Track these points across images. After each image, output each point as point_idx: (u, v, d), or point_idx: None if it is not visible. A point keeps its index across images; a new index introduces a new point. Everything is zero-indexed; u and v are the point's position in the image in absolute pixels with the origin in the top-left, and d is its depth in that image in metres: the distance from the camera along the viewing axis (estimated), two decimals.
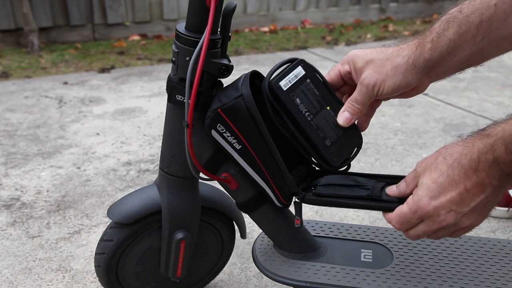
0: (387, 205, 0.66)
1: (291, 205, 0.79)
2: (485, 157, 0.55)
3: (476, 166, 0.56)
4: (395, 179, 0.70)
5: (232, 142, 0.70)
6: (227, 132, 0.69)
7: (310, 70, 0.72)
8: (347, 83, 0.73)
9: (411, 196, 0.61)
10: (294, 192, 0.73)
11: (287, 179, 0.72)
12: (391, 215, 0.64)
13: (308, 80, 0.71)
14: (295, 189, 0.73)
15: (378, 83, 0.66)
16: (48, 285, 1.03)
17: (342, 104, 0.72)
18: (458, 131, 1.86)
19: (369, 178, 0.72)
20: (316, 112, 0.70)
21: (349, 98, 0.69)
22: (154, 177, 1.48)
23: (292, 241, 0.82)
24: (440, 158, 0.59)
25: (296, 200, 0.74)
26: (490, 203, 0.58)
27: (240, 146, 0.70)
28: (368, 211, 1.32)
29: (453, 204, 0.58)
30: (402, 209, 0.62)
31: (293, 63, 0.71)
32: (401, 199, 0.65)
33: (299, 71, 0.70)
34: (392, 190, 0.67)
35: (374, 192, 0.68)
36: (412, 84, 0.66)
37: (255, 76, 0.72)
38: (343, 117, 0.70)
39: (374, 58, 0.66)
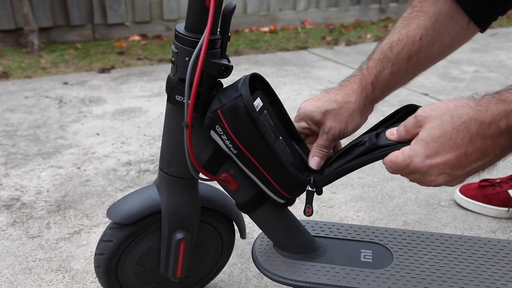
0: (386, 151, 0.64)
1: (292, 205, 0.80)
2: (497, 124, 0.54)
3: (484, 132, 0.54)
4: (387, 122, 0.71)
5: (228, 146, 0.70)
6: (224, 135, 0.69)
7: (266, 102, 0.74)
8: (307, 136, 0.80)
9: (408, 147, 0.60)
10: (302, 182, 0.74)
11: (291, 172, 0.72)
12: (386, 158, 0.63)
13: (265, 111, 0.73)
14: (302, 179, 0.73)
15: (342, 130, 0.75)
16: (48, 285, 1.03)
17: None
18: None
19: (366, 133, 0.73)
20: (273, 141, 0.73)
21: (316, 144, 0.76)
22: (154, 177, 1.48)
23: (292, 241, 0.82)
24: (447, 115, 0.57)
25: (309, 189, 0.76)
26: (484, 169, 0.58)
27: (236, 151, 0.70)
28: (368, 210, 1.32)
29: (447, 167, 0.57)
30: (397, 157, 0.61)
31: (254, 93, 0.72)
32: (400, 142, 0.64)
33: (259, 102, 0.72)
34: (392, 133, 0.65)
35: (371, 143, 0.67)
36: (366, 118, 0.77)
37: (255, 78, 0.72)
38: (314, 161, 0.76)
39: (329, 109, 0.74)
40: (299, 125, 0.78)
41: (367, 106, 0.76)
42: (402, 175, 0.63)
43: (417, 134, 0.60)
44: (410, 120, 0.62)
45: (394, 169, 0.62)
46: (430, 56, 0.73)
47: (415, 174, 0.60)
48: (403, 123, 0.63)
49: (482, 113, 0.55)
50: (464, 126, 0.55)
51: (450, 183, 0.59)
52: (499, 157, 0.56)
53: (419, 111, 0.60)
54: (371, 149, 0.66)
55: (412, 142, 0.60)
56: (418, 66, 0.74)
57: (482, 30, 0.75)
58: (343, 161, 0.71)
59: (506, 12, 0.74)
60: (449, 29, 0.72)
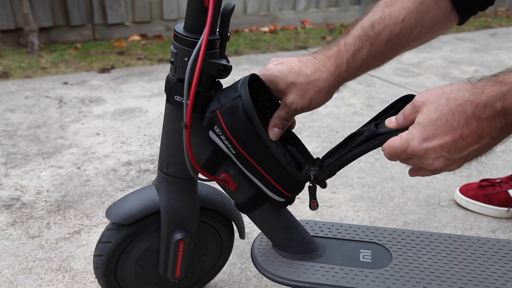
0: (384, 137, 0.65)
1: (291, 203, 0.80)
2: (492, 105, 0.54)
3: (480, 114, 0.54)
4: (386, 113, 0.71)
5: (228, 146, 0.70)
6: (223, 135, 0.69)
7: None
8: None
9: (406, 132, 0.60)
10: (301, 180, 0.74)
11: (290, 171, 0.72)
12: (384, 144, 0.63)
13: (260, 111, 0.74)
14: (302, 177, 0.73)
15: (305, 107, 0.72)
16: (48, 285, 1.03)
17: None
18: None
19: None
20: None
21: (276, 115, 0.74)
22: (154, 177, 1.48)
23: (291, 241, 0.82)
24: (443, 99, 0.57)
25: (310, 185, 0.75)
26: (482, 153, 0.58)
27: (235, 151, 0.70)
28: (368, 210, 1.32)
29: (444, 150, 0.57)
30: (394, 142, 0.61)
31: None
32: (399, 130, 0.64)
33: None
34: (390, 121, 0.65)
35: (370, 132, 0.67)
36: (331, 97, 0.74)
37: (254, 79, 0.72)
38: (274, 132, 0.74)
39: (295, 82, 0.71)
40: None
41: (336, 86, 0.73)
42: (401, 161, 0.63)
43: (415, 119, 0.60)
44: (408, 107, 0.62)
45: (392, 154, 0.62)
46: (409, 40, 0.72)
47: (413, 158, 0.60)
48: (401, 111, 0.63)
49: (478, 95, 0.55)
50: (460, 108, 0.55)
51: (448, 167, 0.59)
52: (496, 141, 0.56)
53: (416, 97, 0.61)
54: (370, 137, 0.67)
55: (410, 127, 0.60)
56: (395, 49, 0.72)
57: (461, 22, 0.74)
58: (343, 152, 0.71)
59: (487, 7, 0.74)
60: (431, 14, 0.70)
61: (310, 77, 0.71)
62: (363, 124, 0.73)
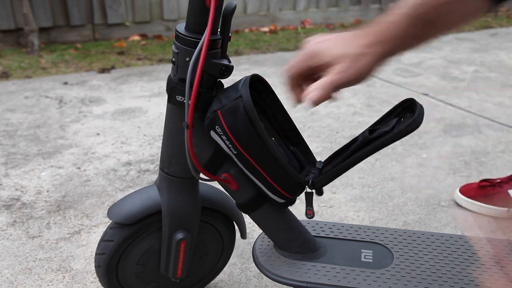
0: (378, 143, 0.66)
1: (292, 204, 0.80)
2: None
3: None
4: (385, 119, 0.71)
5: (229, 146, 0.70)
6: (224, 135, 0.69)
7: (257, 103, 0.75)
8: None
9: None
10: (301, 182, 0.74)
11: (290, 172, 0.72)
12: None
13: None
14: (301, 179, 0.73)
15: (351, 79, 0.68)
16: (48, 285, 1.03)
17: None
18: (459, 131, 1.86)
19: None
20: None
21: (322, 82, 0.66)
22: (154, 177, 1.48)
23: (293, 242, 0.82)
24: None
25: (308, 190, 0.75)
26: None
27: (236, 151, 0.70)
28: (368, 210, 1.32)
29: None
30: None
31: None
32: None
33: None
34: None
35: (364, 137, 0.69)
36: (373, 74, 0.72)
37: (256, 79, 0.72)
38: (311, 97, 0.65)
39: (343, 53, 0.67)
40: (312, 62, 0.69)
41: (378, 61, 0.70)
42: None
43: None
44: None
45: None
46: (447, 22, 0.71)
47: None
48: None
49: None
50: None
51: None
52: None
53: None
54: (364, 143, 0.68)
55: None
56: (433, 31, 0.72)
57: (490, 10, 0.73)
58: (339, 160, 0.72)
59: None
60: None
61: (358, 50, 0.68)
62: (363, 124, 0.73)
